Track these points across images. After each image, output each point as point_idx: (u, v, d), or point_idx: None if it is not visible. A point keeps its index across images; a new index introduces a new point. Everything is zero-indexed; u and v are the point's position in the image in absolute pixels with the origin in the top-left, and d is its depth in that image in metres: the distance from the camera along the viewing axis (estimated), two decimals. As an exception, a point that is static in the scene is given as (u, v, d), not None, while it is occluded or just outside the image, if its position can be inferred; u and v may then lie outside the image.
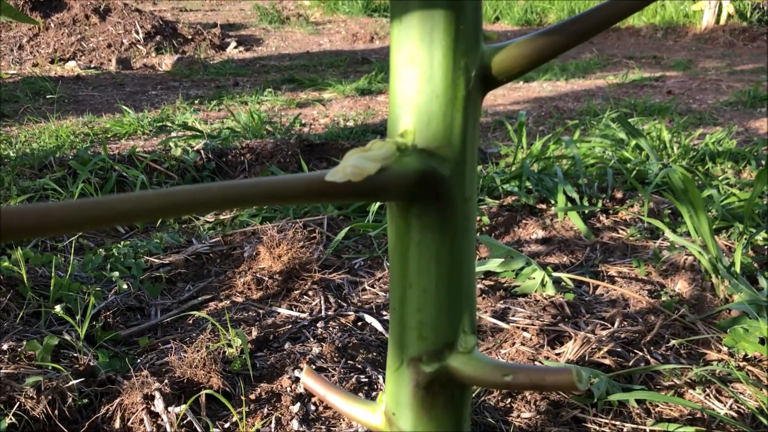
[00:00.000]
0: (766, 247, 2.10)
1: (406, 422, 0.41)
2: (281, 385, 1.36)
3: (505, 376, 0.36)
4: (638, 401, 1.42)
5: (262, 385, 1.37)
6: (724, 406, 1.45)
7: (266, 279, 1.82)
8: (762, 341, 1.57)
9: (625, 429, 1.36)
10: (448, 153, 0.37)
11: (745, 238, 1.99)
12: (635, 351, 1.57)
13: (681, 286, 1.88)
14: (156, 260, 1.96)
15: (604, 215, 2.41)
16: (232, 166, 2.90)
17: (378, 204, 2.18)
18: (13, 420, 1.23)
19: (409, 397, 0.39)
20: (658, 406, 1.43)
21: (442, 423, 0.40)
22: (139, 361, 1.47)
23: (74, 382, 1.31)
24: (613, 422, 1.37)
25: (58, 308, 1.57)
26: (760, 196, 2.34)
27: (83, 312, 1.61)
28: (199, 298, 1.78)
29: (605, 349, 1.53)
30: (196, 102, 4.58)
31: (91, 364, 1.41)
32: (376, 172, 0.32)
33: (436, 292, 0.38)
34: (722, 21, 8.58)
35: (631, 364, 1.52)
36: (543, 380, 0.35)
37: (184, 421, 1.25)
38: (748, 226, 1.85)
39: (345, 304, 1.74)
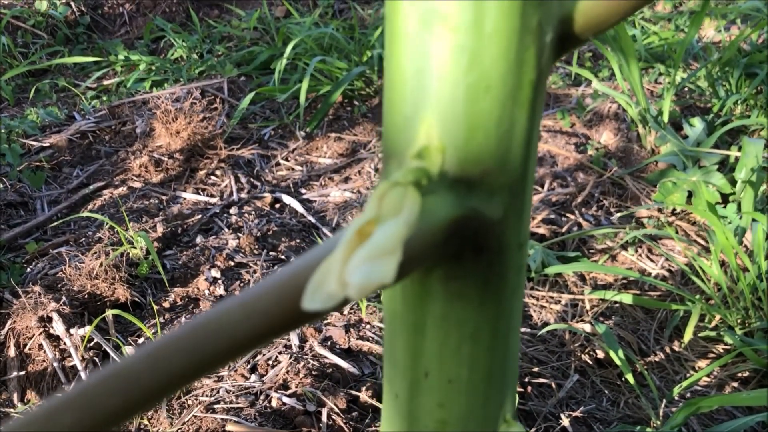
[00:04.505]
0: (686, 89, 2.06)
1: None
2: (198, 288, 1.23)
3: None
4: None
5: (176, 289, 1.23)
6: (656, 265, 1.44)
7: (165, 159, 1.62)
8: (690, 194, 1.55)
9: (563, 300, 1.32)
10: (501, 180, 0.22)
11: (668, 82, 1.92)
12: (567, 215, 1.52)
13: (606, 137, 1.82)
14: (34, 143, 1.71)
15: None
16: (110, 20, 2.54)
17: (285, 61, 1.96)
18: None
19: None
20: (592, 272, 1.39)
21: None
22: (29, 270, 1.29)
23: (-47, 307, 1.14)
24: (551, 294, 1.33)
25: None
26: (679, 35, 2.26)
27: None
28: (91, 187, 1.57)
29: (539, 218, 1.46)
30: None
31: (-29, 281, 1.23)
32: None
33: (468, 382, 0.24)
34: None
35: (564, 230, 1.47)
36: None
37: (92, 343, 1.11)
38: (676, 68, 1.77)
39: (259, 184, 1.58)
